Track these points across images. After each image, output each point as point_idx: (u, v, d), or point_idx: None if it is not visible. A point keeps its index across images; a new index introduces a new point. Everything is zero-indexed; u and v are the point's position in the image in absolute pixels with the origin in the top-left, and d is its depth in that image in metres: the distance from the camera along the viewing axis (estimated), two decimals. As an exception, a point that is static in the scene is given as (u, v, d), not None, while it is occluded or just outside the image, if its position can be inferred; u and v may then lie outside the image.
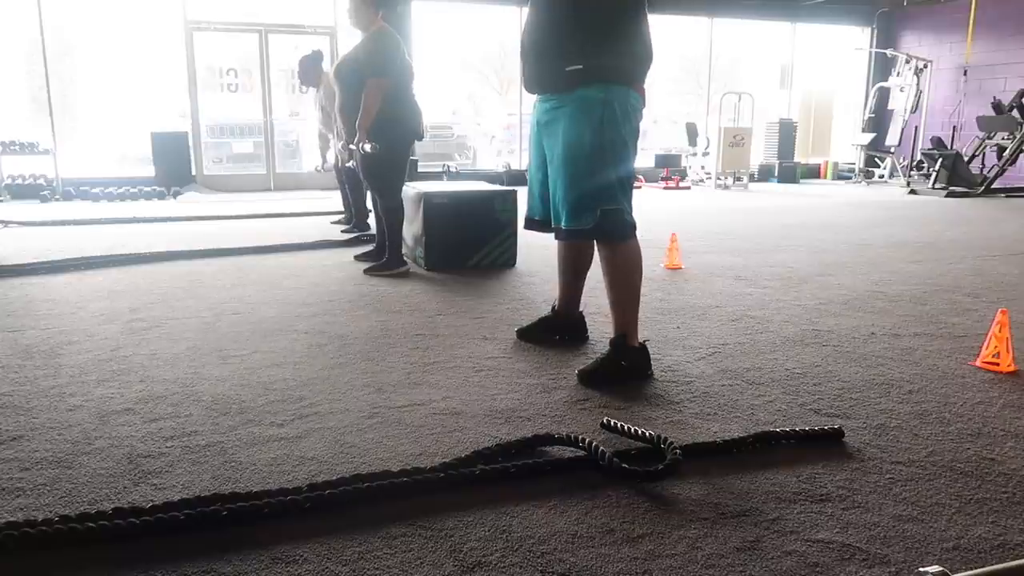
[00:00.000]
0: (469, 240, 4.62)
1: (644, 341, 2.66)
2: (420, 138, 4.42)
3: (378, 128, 4.09)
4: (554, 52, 2.52)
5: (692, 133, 12.55)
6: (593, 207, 2.52)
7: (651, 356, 2.66)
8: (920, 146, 11.84)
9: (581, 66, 2.45)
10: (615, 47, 2.47)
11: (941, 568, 1.27)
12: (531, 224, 2.88)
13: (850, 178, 13.02)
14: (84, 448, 2.01)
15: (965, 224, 7.08)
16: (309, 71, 6.04)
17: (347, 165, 5.68)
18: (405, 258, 4.52)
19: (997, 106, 10.50)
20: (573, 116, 2.51)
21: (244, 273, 4.47)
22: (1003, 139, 10.48)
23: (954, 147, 11.00)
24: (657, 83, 15.35)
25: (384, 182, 4.33)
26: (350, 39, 4.31)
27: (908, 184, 11.20)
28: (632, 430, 2.05)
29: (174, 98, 10.83)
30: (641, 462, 1.90)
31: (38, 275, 4.36)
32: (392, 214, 4.39)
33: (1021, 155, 10.23)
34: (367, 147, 4.02)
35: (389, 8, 4.28)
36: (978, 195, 10.03)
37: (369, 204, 5.67)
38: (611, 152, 2.50)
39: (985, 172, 10.60)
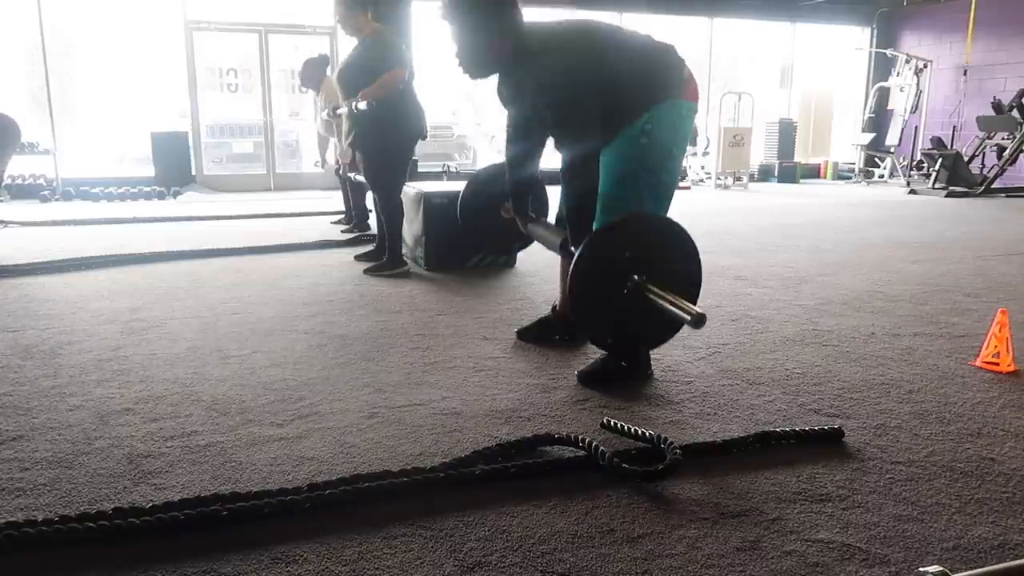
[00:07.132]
0: (469, 240, 4.62)
1: (644, 341, 2.66)
2: (424, 137, 4.41)
3: (381, 127, 4.09)
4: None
5: (692, 133, 12.54)
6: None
7: (651, 356, 2.67)
8: (920, 146, 11.84)
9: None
10: (626, 99, 2.50)
11: (941, 568, 1.27)
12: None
13: (850, 178, 13.01)
14: (84, 448, 2.01)
15: (965, 224, 7.07)
16: (311, 74, 6.06)
17: (350, 175, 5.68)
18: (405, 258, 4.52)
19: (997, 106, 10.49)
20: (617, 151, 2.54)
21: (244, 273, 4.47)
22: (1003, 139, 10.46)
23: (954, 147, 10.99)
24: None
25: (386, 181, 4.34)
26: (350, 40, 4.28)
27: (908, 184, 11.20)
28: (632, 430, 2.05)
29: (174, 98, 10.83)
30: (641, 462, 1.91)
31: (38, 275, 4.36)
32: (392, 214, 4.39)
33: (1021, 155, 10.22)
34: (362, 104, 3.95)
35: (387, 6, 4.23)
36: (978, 195, 10.02)
37: (369, 204, 5.67)
38: (646, 173, 2.56)
39: (985, 172, 10.58)
